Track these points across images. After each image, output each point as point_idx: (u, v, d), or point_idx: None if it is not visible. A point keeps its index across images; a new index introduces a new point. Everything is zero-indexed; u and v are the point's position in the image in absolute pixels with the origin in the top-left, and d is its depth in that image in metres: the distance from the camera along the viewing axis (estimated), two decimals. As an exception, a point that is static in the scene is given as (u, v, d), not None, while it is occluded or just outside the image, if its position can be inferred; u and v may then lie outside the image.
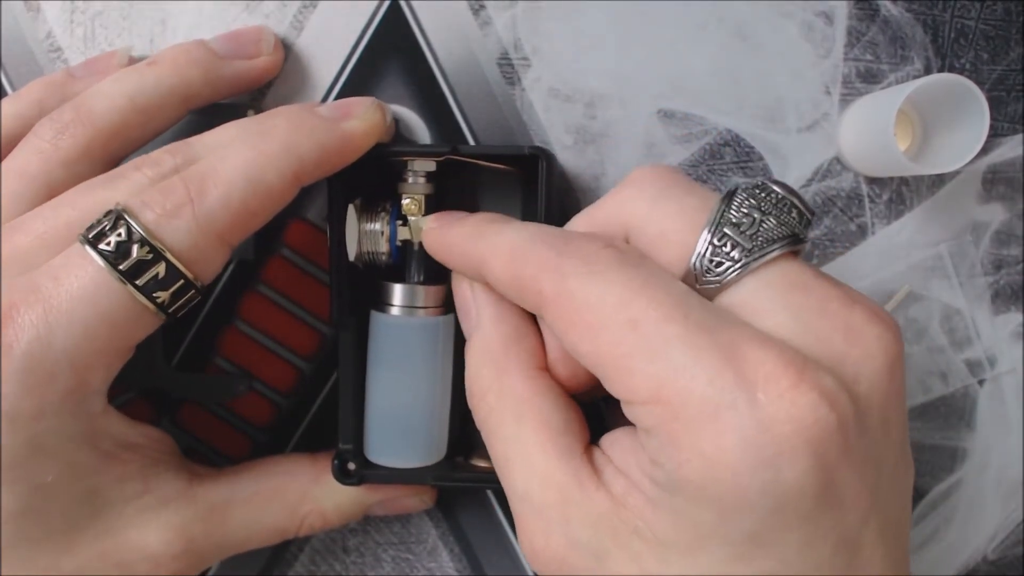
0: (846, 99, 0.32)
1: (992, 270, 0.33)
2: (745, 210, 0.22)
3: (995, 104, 0.32)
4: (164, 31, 0.32)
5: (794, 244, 0.22)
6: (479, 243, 0.25)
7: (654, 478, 0.21)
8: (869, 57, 0.32)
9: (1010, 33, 0.32)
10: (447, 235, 0.26)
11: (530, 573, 0.33)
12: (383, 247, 0.29)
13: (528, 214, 0.31)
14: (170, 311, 0.25)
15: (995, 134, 0.33)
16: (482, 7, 0.32)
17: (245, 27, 0.31)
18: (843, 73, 0.32)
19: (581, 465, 0.23)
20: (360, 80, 0.32)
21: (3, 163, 0.27)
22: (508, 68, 0.32)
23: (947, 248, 0.33)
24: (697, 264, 0.22)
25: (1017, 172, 0.33)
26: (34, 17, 0.32)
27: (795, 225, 0.22)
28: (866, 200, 0.33)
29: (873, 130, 0.30)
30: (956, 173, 0.33)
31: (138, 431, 0.28)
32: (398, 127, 0.32)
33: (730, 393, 0.19)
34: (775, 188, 0.22)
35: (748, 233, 0.22)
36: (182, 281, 0.24)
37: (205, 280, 0.25)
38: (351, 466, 0.29)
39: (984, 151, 0.30)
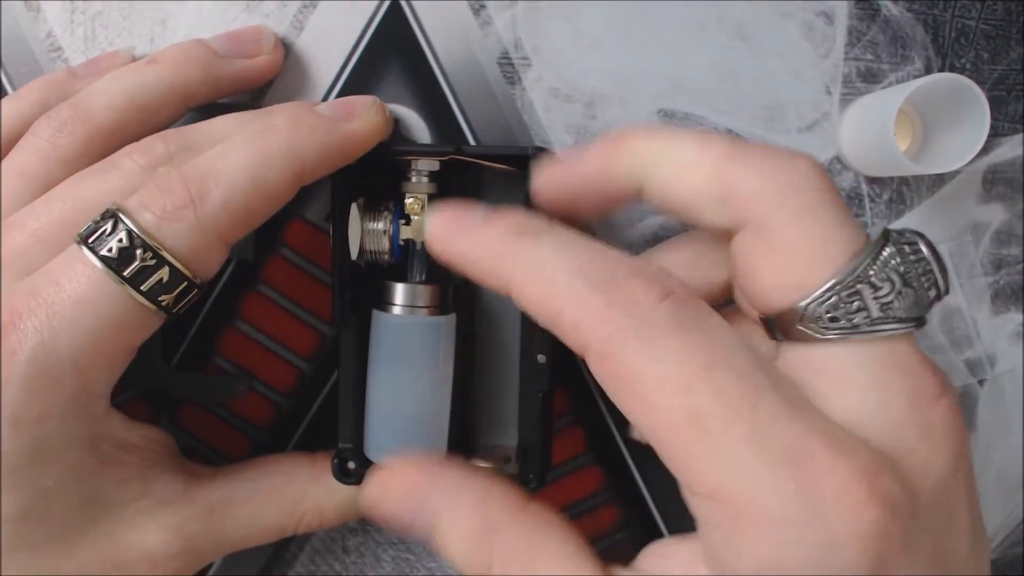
0: (846, 99, 0.32)
1: (992, 270, 0.33)
2: (889, 272, 0.20)
3: (995, 104, 0.32)
4: (164, 31, 0.32)
5: (917, 326, 0.20)
6: (503, 265, 0.22)
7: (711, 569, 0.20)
8: (869, 57, 0.32)
9: (1010, 33, 0.32)
10: (460, 245, 0.23)
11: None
12: (386, 246, 0.29)
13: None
14: (173, 311, 0.25)
15: (995, 134, 0.33)
16: (482, 7, 0.32)
17: (245, 26, 0.31)
18: (843, 73, 0.32)
19: None
20: (360, 80, 0.32)
21: (2, 162, 0.27)
22: (508, 68, 0.32)
23: (947, 248, 0.33)
24: (811, 308, 0.20)
25: (1017, 172, 0.33)
26: (34, 17, 0.32)
27: (927, 306, 0.20)
28: (866, 200, 0.33)
29: (873, 130, 0.30)
30: (956, 173, 0.33)
31: (138, 432, 0.27)
32: (398, 127, 0.32)
33: (795, 506, 0.18)
34: (926, 253, 0.20)
35: (883, 301, 0.20)
36: (185, 283, 0.24)
37: (206, 278, 0.25)
38: (351, 465, 0.29)
39: (984, 151, 0.30)
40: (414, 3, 0.32)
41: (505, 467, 0.30)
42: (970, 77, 0.29)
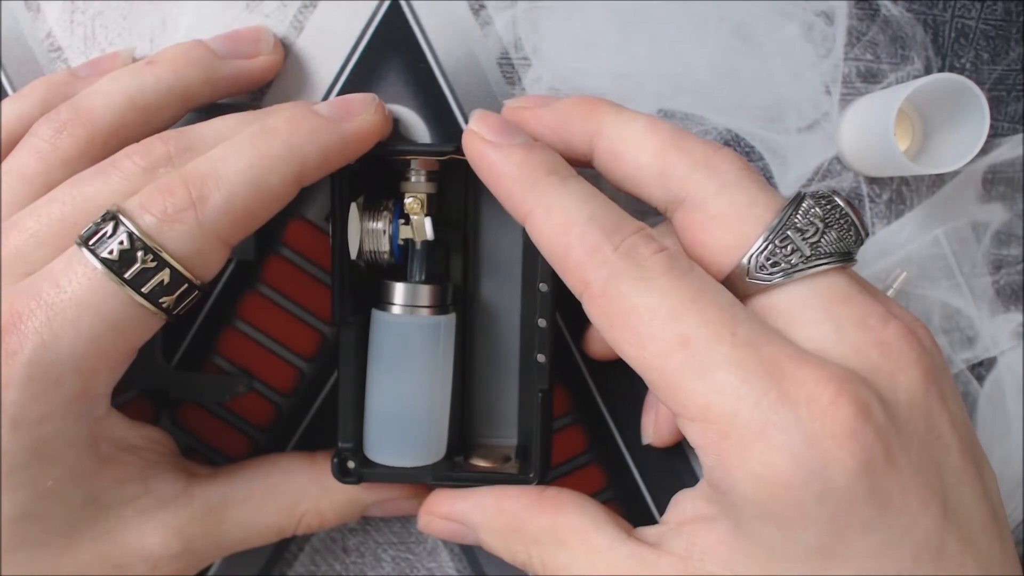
0: (846, 99, 0.32)
1: (992, 270, 0.33)
2: (811, 218, 0.23)
3: (995, 104, 0.32)
4: (164, 31, 0.32)
5: (846, 260, 0.23)
6: (529, 194, 0.24)
7: (716, 505, 0.23)
8: (869, 57, 0.32)
9: (1010, 33, 0.32)
10: (494, 158, 0.25)
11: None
12: (385, 246, 0.29)
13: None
14: (174, 313, 0.25)
15: (995, 134, 0.33)
16: (482, 7, 0.32)
17: (244, 27, 0.31)
18: (843, 73, 0.32)
19: (635, 546, 0.24)
20: (360, 80, 0.32)
21: (3, 163, 0.27)
22: (508, 68, 0.32)
23: (947, 248, 0.33)
24: (752, 260, 0.23)
25: (1017, 172, 0.33)
26: (34, 17, 0.32)
27: (851, 243, 0.23)
28: (866, 200, 0.33)
29: (873, 130, 0.30)
30: (956, 173, 0.33)
31: (138, 432, 0.28)
32: (398, 127, 0.32)
33: (775, 413, 0.20)
34: (840, 203, 0.23)
35: (810, 241, 0.22)
36: (186, 285, 0.24)
37: (207, 280, 0.25)
38: (350, 464, 0.29)
39: (984, 151, 0.30)
40: (414, 3, 0.32)
41: (505, 466, 0.30)
42: (970, 77, 0.29)
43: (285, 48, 0.32)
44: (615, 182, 0.26)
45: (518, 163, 0.25)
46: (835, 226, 0.23)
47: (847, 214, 0.23)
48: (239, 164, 0.25)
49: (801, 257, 0.22)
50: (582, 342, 0.32)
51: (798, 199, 0.23)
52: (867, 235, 0.24)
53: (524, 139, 0.25)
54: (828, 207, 0.23)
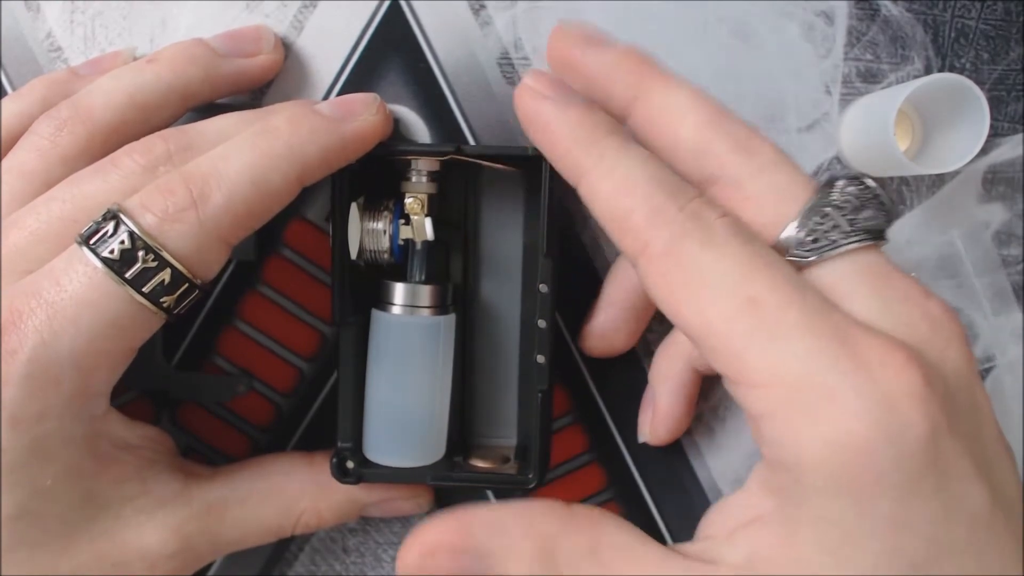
0: (846, 99, 0.32)
1: (992, 270, 0.33)
2: (847, 196, 0.22)
3: (995, 104, 0.32)
4: (164, 31, 0.32)
5: (881, 238, 0.23)
6: (588, 153, 0.23)
7: (776, 493, 0.21)
8: (869, 57, 0.32)
9: (1010, 33, 0.32)
10: (551, 118, 0.24)
11: None
12: (385, 246, 0.29)
13: (530, 215, 0.31)
14: (174, 312, 0.25)
15: (995, 134, 0.33)
16: (482, 7, 0.32)
17: (245, 26, 0.31)
18: (843, 73, 0.32)
19: (687, 562, 0.22)
20: (360, 80, 0.32)
21: (3, 161, 0.27)
22: (508, 68, 0.32)
23: (947, 248, 0.33)
24: (792, 236, 0.22)
25: (1017, 172, 0.33)
26: (34, 17, 0.32)
27: (883, 221, 0.23)
28: (866, 200, 0.33)
29: (873, 130, 0.30)
30: (956, 173, 0.33)
31: (137, 432, 0.28)
32: (398, 127, 0.32)
33: (850, 376, 0.20)
34: (871, 183, 0.23)
35: (848, 217, 0.22)
36: (186, 284, 0.24)
37: (208, 279, 0.25)
38: (349, 464, 0.29)
39: (984, 151, 0.30)
40: (414, 3, 0.32)
41: (504, 466, 0.30)
42: (970, 77, 0.28)
43: (285, 48, 0.32)
44: (648, 149, 0.25)
45: (576, 121, 0.24)
46: (869, 205, 0.23)
47: (878, 194, 0.23)
48: (240, 163, 0.24)
49: (841, 232, 0.22)
50: (579, 339, 0.32)
51: (831, 180, 0.23)
52: (896, 216, 0.24)
53: (581, 99, 0.24)
54: (861, 187, 0.23)
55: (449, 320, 0.29)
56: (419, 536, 0.23)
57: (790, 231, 0.22)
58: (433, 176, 0.29)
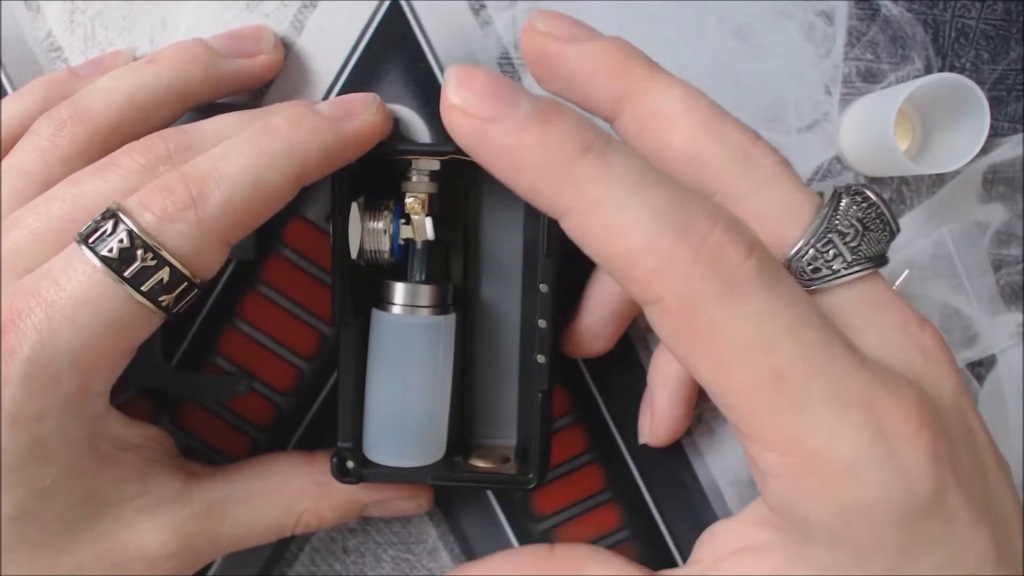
0: (846, 99, 0.32)
1: (992, 270, 0.33)
2: (850, 219, 0.21)
3: (995, 104, 0.32)
4: (164, 31, 0.32)
5: (883, 264, 0.22)
6: (564, 187, 0.19)
7: (773, 531, 0.22)
8: (869, 57, 0.32)
9: (1010, 33, 0.32)
10: (502, 147, 0.19)
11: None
12: (386, 245, 0.29)
13: (530, 214, 0.31)
14: (173, 311, 0.25)
15: (995, 134, 0.33)
16: (482, 7, 0.32)
17: (245, 26, 0.31)
18: (843, 73, 0.32)
19: None
20: (360, 80, 0.32)
21: (3, 161, 0.27)
22: (508, 68, 0.32)
23: (947, 248, 0.33)
24: (794, 263, 0.21)
25: (1017, 172, 0.33)
26: (34, 17, 0.32)
27: (886, 243, 0.22)
28: (866, 200, 0.33)
29: (873, 130, 0.30)
30: (956, 173, 0.33)
31: (137, 431, 0.28)
32: (398, 127, 0.32)
33: (871, 448, 0.19)
34: (874, 199, 0.22)
35: (851, 245, 0.21)
36: (185, 283, 0.24)
37: (206, 278, 0.25)
38: (350, 464, 0.29)
39: (984, 151, 0.30)
40: (414, 3, 0.32)
41: (504, 466, 0.30)
42: (970, 77, 0.28)
43: (285, 48, 0.32)
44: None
45: (537, 146, 0.19)
46: (872, 226, 0.22)
47: (882, 212, 0.22)
48: (239, 162, 0.24)
49: (843, 263, 0.21)
50: (562, 340, 0.31)
51: (836, 197, 0.22)
52: (898, 231, 0.23)
53: (530, 103, 0.19)
54: (864, 205, 0.22)
55: (449, 320, 0.29)
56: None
57: (791, 257, 0.21)
58: (433, 176, 0.29)
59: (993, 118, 0.29)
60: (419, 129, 0.32)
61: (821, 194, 0.23)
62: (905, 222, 0.33)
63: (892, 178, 0.33)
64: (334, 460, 0.29)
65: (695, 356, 0.20)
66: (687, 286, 0.19)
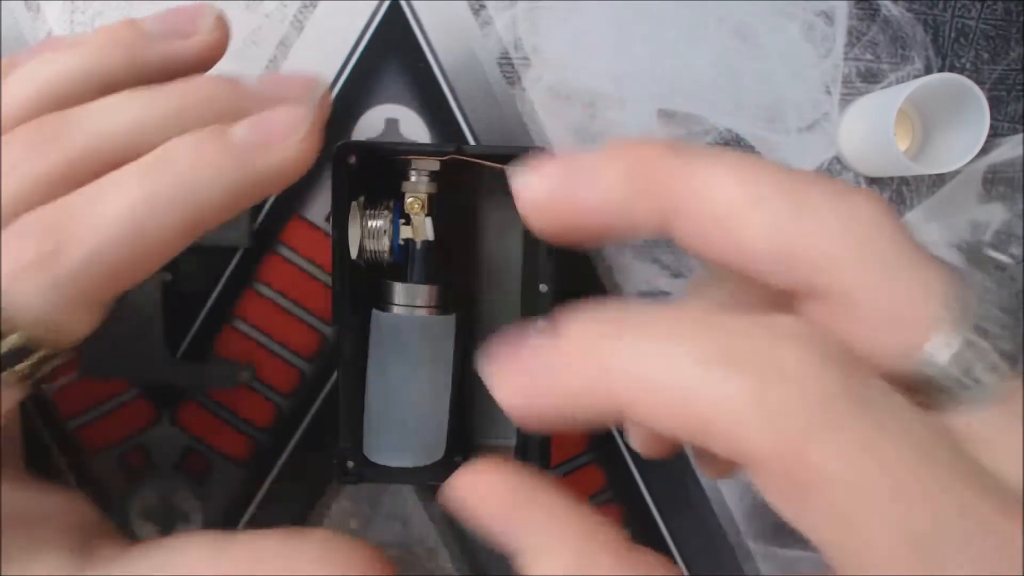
0: (846, 99, 0.32)
1: (992, 270, 0.33)
2: (990, 309, 0.16)
3: (995, 104, 0.32)
4: (164, 31, 0.32)
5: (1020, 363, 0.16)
6: (608, 385, 0.16)
7: None
8: (869, 57, 0.32)
9: (1010, 33, 0.32)
10: (540, 405, 0.17)
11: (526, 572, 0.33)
12: (386, 245, 0.29)
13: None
14: (38, 380, 0.21)
15: (995, 134, 0.33)
16: (482, 7, 0.32)
17: (186, 2, 0.26)
18: (843, 73, 0.32)
19: None
20: (360, 80, 0.32)
21: None
22: (508, 68, 0.32)
23: (947, 248, 0.33)
24: (936, 370, 0.16)
25: (1017, 172, 0.33)
26: (34, 17, 0.32)
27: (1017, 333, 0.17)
28: (866, 200, 0.33)
29: (873, 130, 0.30)
30: (956, 173, 0.33)
31: (45, 502, 0.24)
32: (398, 127, 0.32)
33: None
34: (1008, 261, 0.19)
35: (1000, 348, 0.16)
36: (41, 352, 0.20)
37: (72, 343, 0.21)
38: (350, 464, 0.29)
39: (984, 151, 0.30)
40: (414, 3, 0.32)
41: (505, 467, 0.30)
42: (970, 77, 0.29)
43: (285, 48, 0.32)
44: (714, 265, 0.18)
45: (565, 381, 0.16)
46: (1008, 310, 0.16)
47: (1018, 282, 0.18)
48: (117, 207, 0.20)
49: (996, 373, 0.16)
50: (626, 436, 0.25)
51: (973, 278, 0.17)
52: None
53: (541, 347, 0.17)
54: (1000, 277, 0.18)
55: (449, 320, 0.29)
56: (478, 472, 0.19)
57: (931, 363, 0.16)
58: (433, 176, 0.29)
59: (993, 118, 0.29)
60: (419, 129, 0.32)
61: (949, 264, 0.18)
62: (905, 222, 0.33)
63: (892, 178, 0.33)
64: (334, 461, 0.29)
65: (803, 511, 0.15)
66: (773, 439, 0.15)
